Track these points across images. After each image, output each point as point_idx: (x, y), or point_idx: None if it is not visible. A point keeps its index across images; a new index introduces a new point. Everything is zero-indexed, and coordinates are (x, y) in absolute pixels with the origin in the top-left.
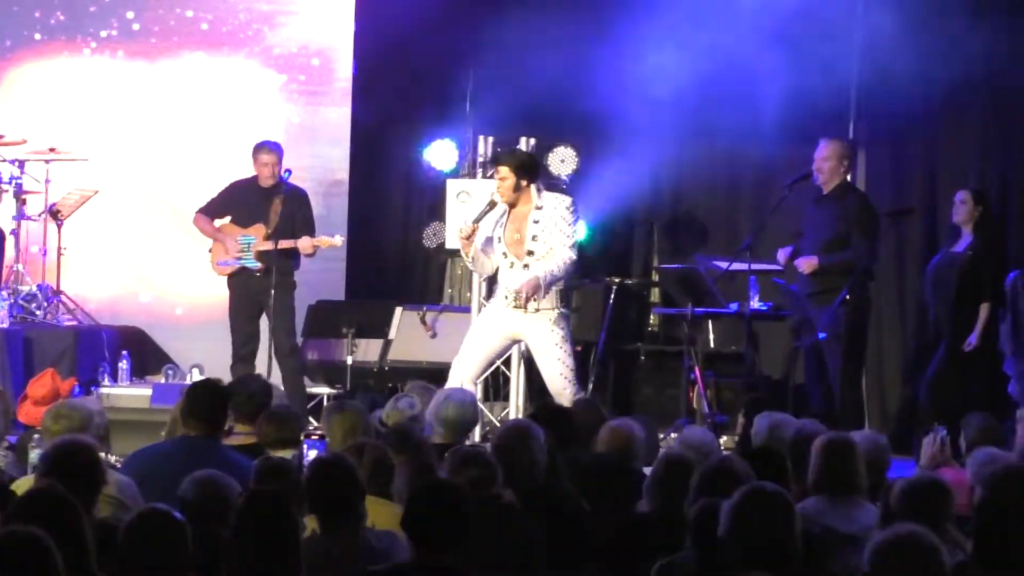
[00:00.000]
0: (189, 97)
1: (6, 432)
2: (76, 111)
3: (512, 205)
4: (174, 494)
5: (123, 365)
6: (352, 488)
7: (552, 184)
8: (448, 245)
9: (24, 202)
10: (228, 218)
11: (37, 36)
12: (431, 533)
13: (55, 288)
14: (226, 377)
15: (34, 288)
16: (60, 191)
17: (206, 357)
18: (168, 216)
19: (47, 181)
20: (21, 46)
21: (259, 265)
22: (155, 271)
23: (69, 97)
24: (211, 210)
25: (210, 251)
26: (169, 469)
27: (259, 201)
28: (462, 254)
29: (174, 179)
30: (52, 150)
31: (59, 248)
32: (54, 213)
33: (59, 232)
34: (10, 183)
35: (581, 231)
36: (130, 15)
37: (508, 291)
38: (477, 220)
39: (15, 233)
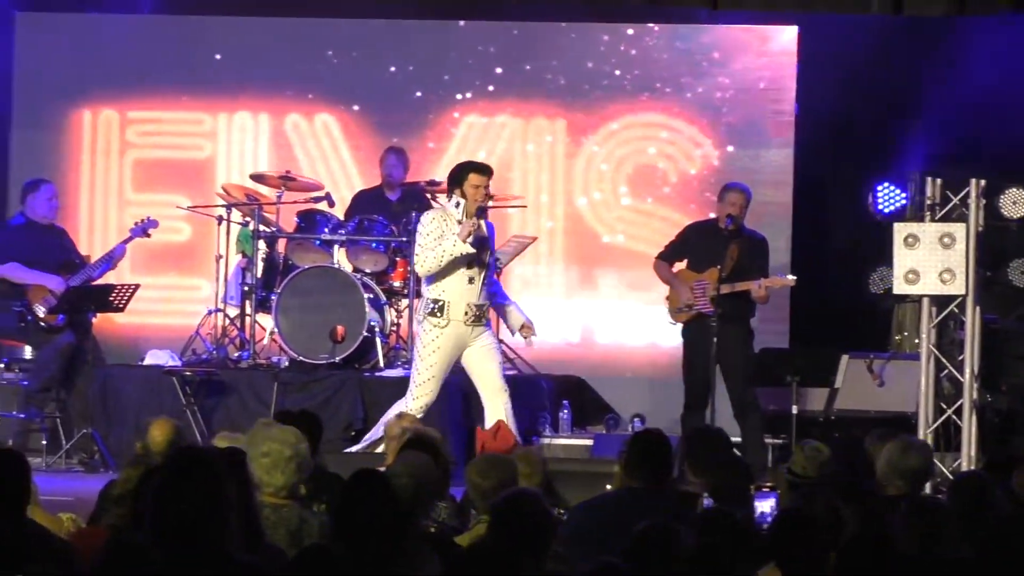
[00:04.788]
0: (619, 143)
1: (446, 489)
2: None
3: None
4: (617, 546)
5: (563, 414)
6: (819, 545)
7: (1003, 227)
8: (896, 290)
9: None
10: (685, 263)
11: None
12: None
13: None
14: (671, 428)
15: None
16: (498, 239)
17: (649, 407)
18: (607, 263)
19: None
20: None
21: (713, 310)
22: (592, 320)
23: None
24: (668, 255)
25: (667, 299)
26: (613, 521)
27: (716, 245)
28: (454, 243)
29: (613, 226)
30: (492, 196)
31: None
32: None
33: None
34: None
35: None
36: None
37: (470, 307)
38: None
39: None
